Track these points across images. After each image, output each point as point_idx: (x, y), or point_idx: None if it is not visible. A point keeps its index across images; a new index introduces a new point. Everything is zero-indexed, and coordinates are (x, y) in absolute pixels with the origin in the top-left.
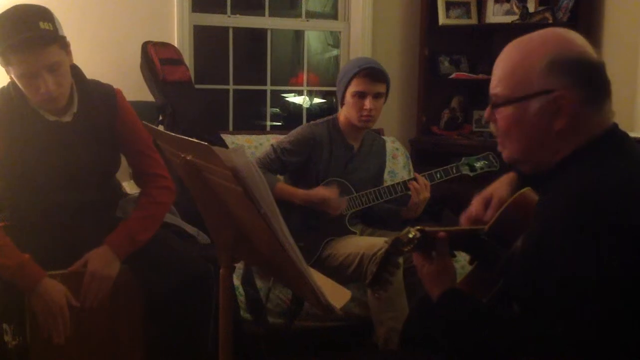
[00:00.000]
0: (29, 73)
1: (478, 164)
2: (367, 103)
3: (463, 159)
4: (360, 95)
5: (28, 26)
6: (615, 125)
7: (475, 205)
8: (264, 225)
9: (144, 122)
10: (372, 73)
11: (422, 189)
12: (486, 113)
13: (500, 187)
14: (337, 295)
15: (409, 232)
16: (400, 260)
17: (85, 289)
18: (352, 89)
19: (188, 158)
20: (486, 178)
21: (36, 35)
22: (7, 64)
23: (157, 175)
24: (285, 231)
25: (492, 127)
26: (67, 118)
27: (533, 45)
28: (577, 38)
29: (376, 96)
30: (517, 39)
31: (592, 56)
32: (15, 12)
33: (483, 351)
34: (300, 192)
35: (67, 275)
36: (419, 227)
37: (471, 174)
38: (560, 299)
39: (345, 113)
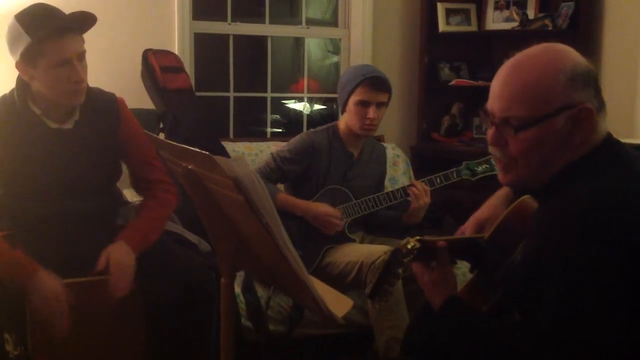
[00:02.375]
0: (63, 60)
1: (479, 168)
2: (371, 112)
3: (464, 163)
4: (364, 104)
5: (59, 16)
6: (610, 134)
7: (469, 229)
8: (266, 234)
9: (145, 131)
10: (376, 82)
11: (421, 195)
12: (491, 137)
13: (494, 211)
14: (338, 304)
15: (408, 242)
16: (400, 270)
17: (115, 280)
18: (355, 97)
19: (190, 167)
20: (487, 182)
21: (71, 20)
22: (37, 57)
23: (162, 182)
24: (287, 241)
25: (493, 151)
26: (69, 125)
27: (545, 60)
28: (574, 50)
29: (379, 105)
30: (515, 57)
31: (593, 67)
32: (39, 7)
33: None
34: (302, 204)
35: (79, 284)
36: (418, 238)
37: (472, 179)
38: (559, 309)
39: (346, 121)
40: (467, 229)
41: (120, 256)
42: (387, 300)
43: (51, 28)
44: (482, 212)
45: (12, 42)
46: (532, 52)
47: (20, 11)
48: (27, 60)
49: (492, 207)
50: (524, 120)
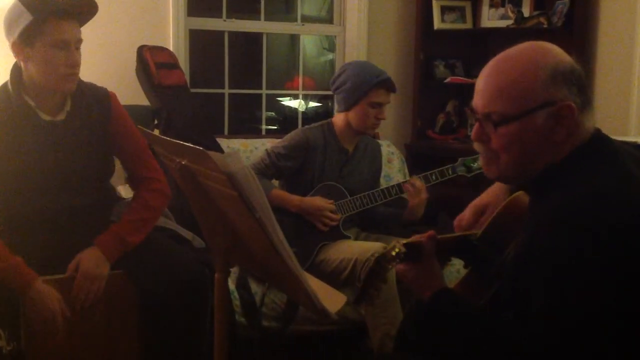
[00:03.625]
0: (63, 42)
1: (475, 164)
2: (384, 113)
3: (459, 159)
4: (378, 105)
5: (61, 0)
6: (599, 130)
7: (468, 215)
8: (259, 230)
9: (139, 126)
10: (391, 85)
11: (417, 192)
12: (475, 132)
13: (495, 197)
14: (332, 299)
15: (393, 248)
16: (386, 275)
17: (77, 291)
18: (371, 99)
19: (183, 163)
20: (483, 179)
21: (73, 7)
22: (37, 35)
23: (151, 179)
24: (281, 236)
25: (477, 146)
26: (61, 117)
27: (527, 58)
28: (558, 48)
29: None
30: (500, 55)
31: (578, 65)
32: None
33: (475, 354)
34: (295, 200)
35: (62, 281)
36: (404, 242)
37: (468, 175)
38: (548, 304)
39: (350, 118)
40: (466, 215)
41: (90, 268)
42: (373, 303)
43: (54, 8)
44: (482, 198)
45: (12, 21)
46: (515, 50)
47: None
48: (25, 39)
49: (492, 193)
50: (504, 115)
